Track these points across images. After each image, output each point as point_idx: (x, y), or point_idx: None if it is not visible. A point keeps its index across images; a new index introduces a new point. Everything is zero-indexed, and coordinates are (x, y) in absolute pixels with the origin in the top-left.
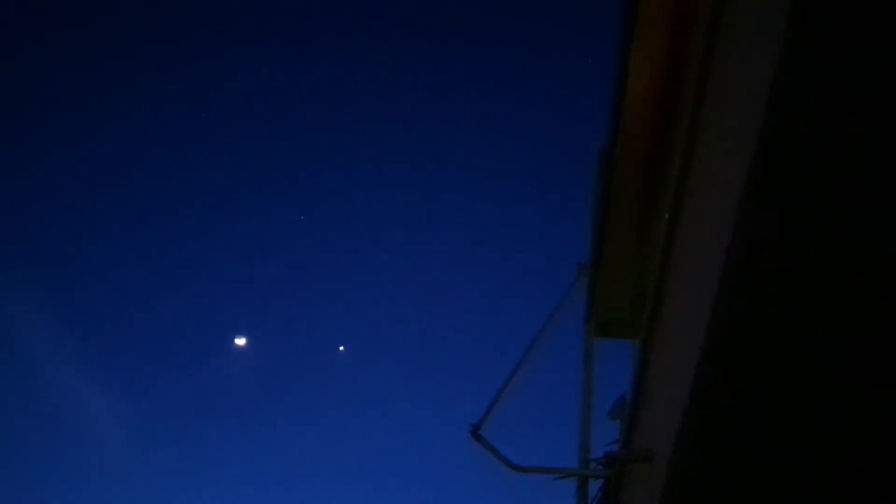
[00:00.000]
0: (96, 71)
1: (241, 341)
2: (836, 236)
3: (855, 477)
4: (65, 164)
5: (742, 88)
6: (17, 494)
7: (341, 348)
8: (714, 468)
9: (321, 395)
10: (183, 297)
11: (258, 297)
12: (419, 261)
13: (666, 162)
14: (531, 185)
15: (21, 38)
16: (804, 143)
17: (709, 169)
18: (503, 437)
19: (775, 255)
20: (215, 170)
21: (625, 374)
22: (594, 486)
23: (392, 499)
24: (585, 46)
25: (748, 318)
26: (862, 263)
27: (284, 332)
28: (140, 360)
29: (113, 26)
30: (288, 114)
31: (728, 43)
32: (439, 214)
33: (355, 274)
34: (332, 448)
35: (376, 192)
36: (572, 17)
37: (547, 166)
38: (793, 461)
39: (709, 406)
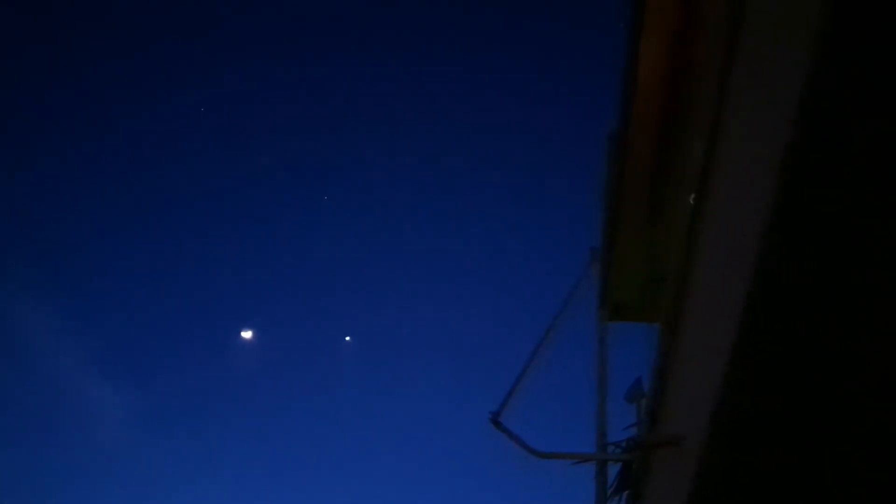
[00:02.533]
0: (98, 66)
1: (247, 334)
2: (879, 217)
3: None
4: (71, 159)
5: (777, 66)
6: (26, 485)
7: (347, 339)
8: (748, 454)
9: (333, 386)
10: (189, 289)
11: (266, 288)
12: (431, 250)
13: (678, 144)
14: (543, 171)
15: (24, 36)
16: (843, 122)
17: (740, 148)
18: (521, 424)
19: (815, 235)
20: (221, 161)
21: (639, 357)
22: (612, 470)
23: (410, 487)
24: (595, 31)
25: (788, 299)
26: None
27: (294, 323)
28: (148, 352)
29: (129, 21)
30: (299, 103)
31: (760, 19)
32: (451, 202)
33: (366, 262)
34: (344, 438)
35: (387, 178)
36: (581, 2)
37: (559, 152)
38: (832, 452)
39: (744, 389)
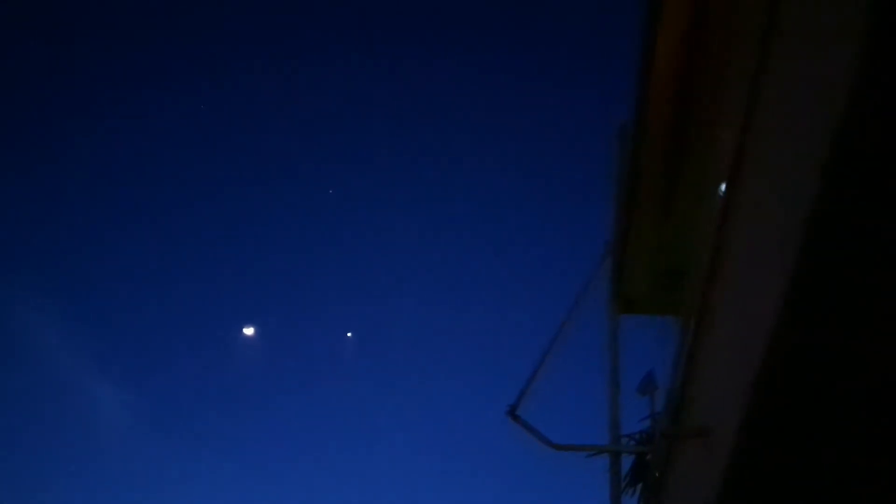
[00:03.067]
0: (97, 63)
1: (249, 330)
2: None
3: None
4: (70, 157)
5: (821, 58)
6: (27, 481)
7: (349, 335)
8: (779, 447)
9: (343, 381)
10: (189, 286)
11: (269, 283)
12: (444, 244)
13: (696, 136)
14: (557, 164)
15: (25, 36)
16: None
17: (779, 140)
18: (537, 417)
19: (859, 229)
20: (221, 158)
21: (650, 350)
22: (626, 463)
23: (427, 480)
24: (610, 19)
25: (828, 292)
26: None
27: (300, 319)
28: (148, 349)
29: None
30: (303, 95)
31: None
32: (464, 196)
33: (377, 257)
34: (356, 434)
35: (397, 171)
36: None
37: (573, 145)
38: (867, 448)
39: (779, 383)
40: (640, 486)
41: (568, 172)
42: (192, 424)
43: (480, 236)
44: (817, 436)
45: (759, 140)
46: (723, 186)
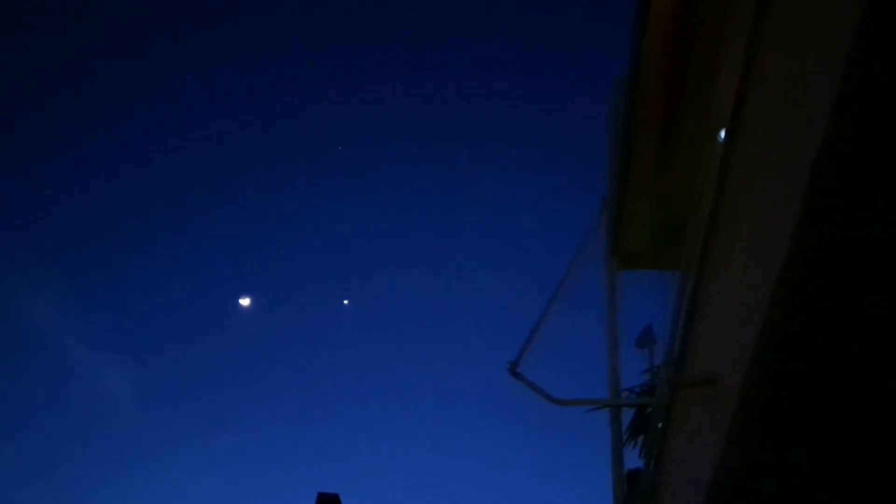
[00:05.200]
0: (92, 54)
1: (245, 301)
2: None
3: None
4: (68, 141)
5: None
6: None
7: (346, 301)
8: (788, 394)
9: (350, 342)
10: (188, 261)
11: (262, 255)
12: (443, 203)
13: (692, 87)
14: (553, 120)
15: (26, 28)
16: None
17: (782, 88)
18: (538, 373)
19: (865, 178)
20: (216, 135)
21: (649, 304)
22: (627, 416)
23: (430, 439)
24: None
25: (834, 239)
26: None
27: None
28: (150, 324)
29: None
30: (302, 70)
31: None
32: (461, 152)
33: (368, 216)
34: (361, 393)
35: (385, 129)
36: None
37: (569, 100)
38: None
39: (787, 329)
40: (641, 439)
41: (565, 127)
42: (191, 396)
43: (477, 194)
44: (824, 385)
45: (760, 89)
46: (722, 134)
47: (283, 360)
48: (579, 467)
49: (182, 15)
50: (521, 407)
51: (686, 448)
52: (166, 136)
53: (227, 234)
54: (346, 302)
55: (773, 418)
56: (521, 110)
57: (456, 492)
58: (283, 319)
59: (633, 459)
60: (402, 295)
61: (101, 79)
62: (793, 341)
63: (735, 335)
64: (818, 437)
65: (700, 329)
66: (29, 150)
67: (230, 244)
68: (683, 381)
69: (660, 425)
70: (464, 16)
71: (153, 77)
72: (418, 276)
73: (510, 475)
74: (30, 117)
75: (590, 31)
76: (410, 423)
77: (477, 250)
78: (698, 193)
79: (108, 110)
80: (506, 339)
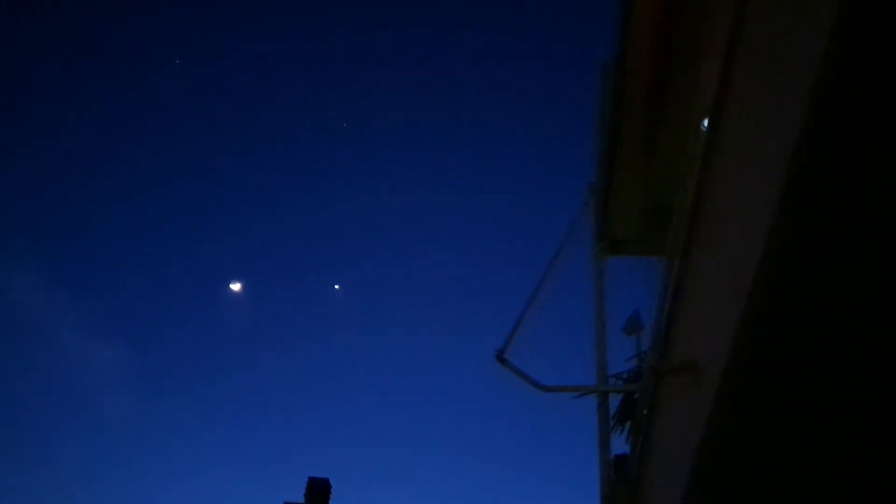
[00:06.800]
0: (86, 45)
1: (236, 286)
2: None
3: None
4: (63, 127)
5: None
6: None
7: (336, 287)
8: (768, 380)
9: (339, 330)
10: (180, 248)
11: (252, 241)
12: (429, 191)
13: (677, 72)
14: (539, 106)
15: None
16: (881, 40)
17: (764, 71)
18: (525, 360)
19: (843, 164)
20: (212, 121)
21: (635, 290)
22: (614, 402)
23: (420, 424)
24: None
25: (814, 225)
26: None
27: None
28: (143, 311)
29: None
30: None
31: None
32: (448, 139)
33: (357, 204)
34: (350, 379)
35: (385, 115)
36: None
37: (555, 86)
38: (858, 379)
39: (767, 315)
40: (628, 425)
41: (551, 113)
42: (182, 384)
43: (465, 180)
44: (806, 370)
45: (743, 73)
46: (706, 122)
47: (274, 349)
48: (566, 453)
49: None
50: (509, 394)
51: (670, 433)
52: (158, 123)
53: (218, 222)
54: (336, 287)
55: (754, 404)
56: (508, 96)
57: (445, 479)
58: (274, 308)
59: (621, 445)
60: (390, 284)
61: (93, 64)
62: (774, 327)
63: (717, 321)
64: (799, 422)
65: (683, 315)
66: (22, 137)
67: (222, 233)
68: (667, 368)
69: (644, 412)
70: (449, 2)
71: (144, 64)
72: (406, 264)
73: (499, 462)
74: (23, 103)
75: (576, 17)
76: (401, 411)
77: (465, 237)
78: (684, 179)
79: (100, 97)
80: (494, 326)
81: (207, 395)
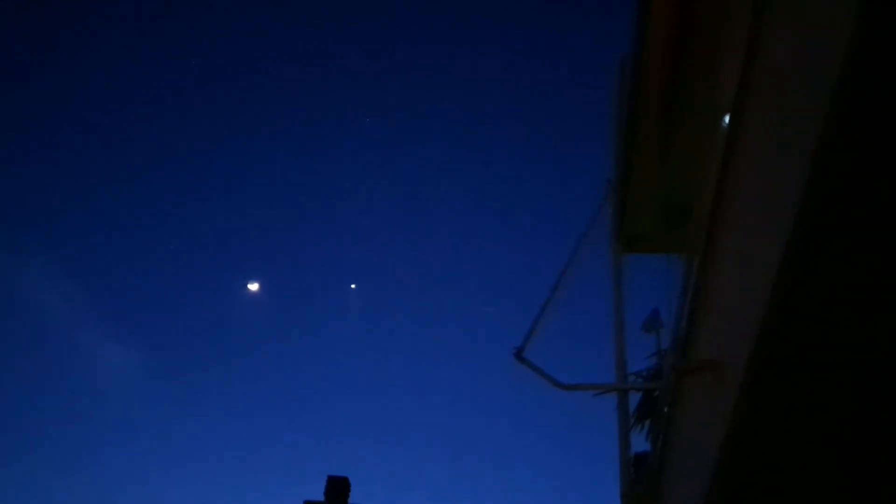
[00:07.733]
0: (95, 40)
1: (254, 286)
2: None
3: None
4: (74, 126)
5: None
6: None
7: (353, 286)
8: (791, 378)
9: (351, 330)
10: (193, 242)
11: (269, 238)
12: (448, 188)
13: (696, 69)
14: (559, 104)
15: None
16: None
17: (786, 68)
18: (544, 358)
19: (867, 161)
20: (223, 113)
21: (654, 288)
22: (633, 400)
23: (436, 423)
24: None
25: (837, 224)
26: None
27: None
28: (155, 304)
29: None
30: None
31: None
32: (466, 137)
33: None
34: (367, 376)
35: (392, 109)
36: None
37: (573, 84)
38: (881, 380)
39: (791, 314)
40: (648, 423)
41: (570, 110)
42: (195, 381)
43: (484, 178)
44: (827, 369)
45: (764, 70)
46: (726, 119)
47: (292, 349)
48: (585, 451)
49: None
50: (527, 392)
51: (691, 431)
52: (171, 121)
53: (235, 221)
54: (353, 286)
55: (776, 402)
56: (526, 94)
57: (463, 477)
58: (295, 308)
59: (640, 443)
60: (410, 283)
61: (105, 61)
62: (796, 326)
63: (738, 320)
64: (821, 421)
65: (704, 314)
66: (33, 135)
67: (239, 232)
68: (687, 366)
69: (665, 410)
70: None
71: (156, 61)
72: (425, 263)
73: (517, 460)
74: (35, 101)
75: (593, 13)
76: (420, 409)
77: (483, 236)
78: (703, 176)
79: (114, 94)
80: (513, 324)
81: (226, 395)
